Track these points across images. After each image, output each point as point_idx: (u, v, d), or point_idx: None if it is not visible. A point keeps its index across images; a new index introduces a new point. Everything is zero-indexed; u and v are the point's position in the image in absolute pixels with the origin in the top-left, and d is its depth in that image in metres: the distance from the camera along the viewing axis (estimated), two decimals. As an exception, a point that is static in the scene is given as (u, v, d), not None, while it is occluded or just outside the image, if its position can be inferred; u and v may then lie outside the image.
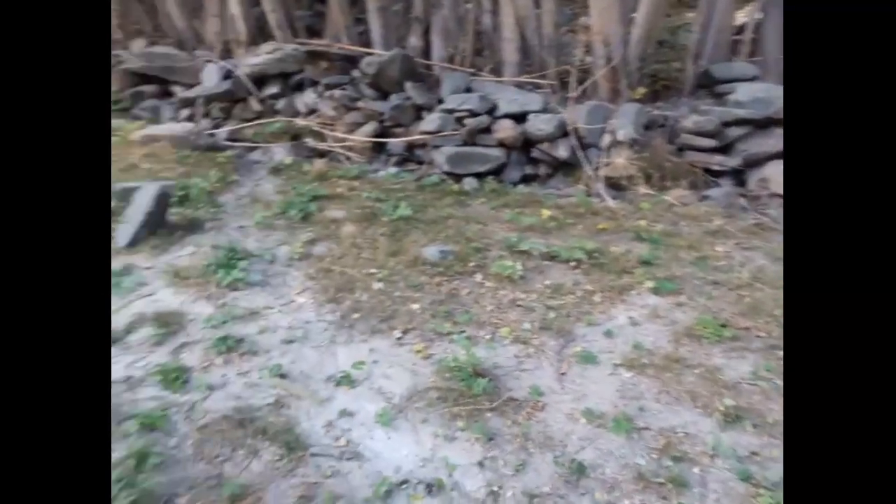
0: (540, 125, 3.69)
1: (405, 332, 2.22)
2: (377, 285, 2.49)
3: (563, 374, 2.02)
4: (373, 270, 2.59)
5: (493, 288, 2.51)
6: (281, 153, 4.02)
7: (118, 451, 1.62)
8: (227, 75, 4.73)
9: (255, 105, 4.61)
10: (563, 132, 3.72)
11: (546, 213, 3.17)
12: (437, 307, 2.35)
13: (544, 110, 3.85)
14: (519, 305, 2.39)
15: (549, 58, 4.21)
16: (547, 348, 2.14)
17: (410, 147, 4.02)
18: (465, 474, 1.61)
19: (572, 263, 2.67)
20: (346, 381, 1.94)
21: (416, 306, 2.36)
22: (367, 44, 4.65)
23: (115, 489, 1.44)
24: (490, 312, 2.34)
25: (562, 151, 3.71)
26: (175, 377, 1.92)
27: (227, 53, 5.22)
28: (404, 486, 1.57)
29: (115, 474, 1.49)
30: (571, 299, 2.43)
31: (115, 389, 1.88)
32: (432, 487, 1.57)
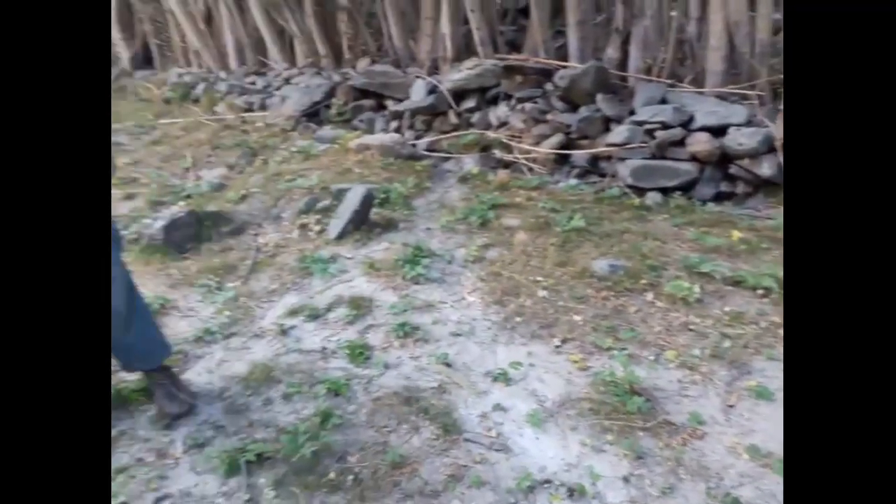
0: (741, 139, 3.41)
1: (564, 341, 2.26)
2: (542, 293, 2.56)
3: (730, 406, 1.89)
4: (539, 278, 2.67)
5: (664, 309, 2.42)
6: (470, 163, 4.29)
7: (308, 409, 1.94)
8: (432, 90, 5.18)
9: (452, 118, 4.98)
10: (768, 148, 3.39)
11: (737, 234, 2.94)
12: (600, 321, 2.35)
13: (748, 123, 3.55)
14: (691, 330, 2.28)
15: (760, 66, 3.87)
16: (716, 378, 2.02)
17: (594, 159, 4.00)
18: (609, 486, 1.62)
19: (759, 291, 2.45)
20: (502, 378, 2.05)
21: (578, 318, 2.38)
22: (564, 57, 4.73)
23: (301, 439, 1.74)
24: (657, 333, 2.27)
25: (765, 169, 3.38)
26: (359, 353, 2.22)
27: (434, 70, 5.70)
28: (546, 485, 1.63)
29: (302, 427, 1.79)
30: (752, 330, 2.24)
31: (310, 357, 2.24)
32: (574, 492, 1.60)
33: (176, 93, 7.32)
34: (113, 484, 1.66)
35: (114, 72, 8.65)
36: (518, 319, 2.40)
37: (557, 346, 2.23)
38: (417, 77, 5.57)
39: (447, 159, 4.60)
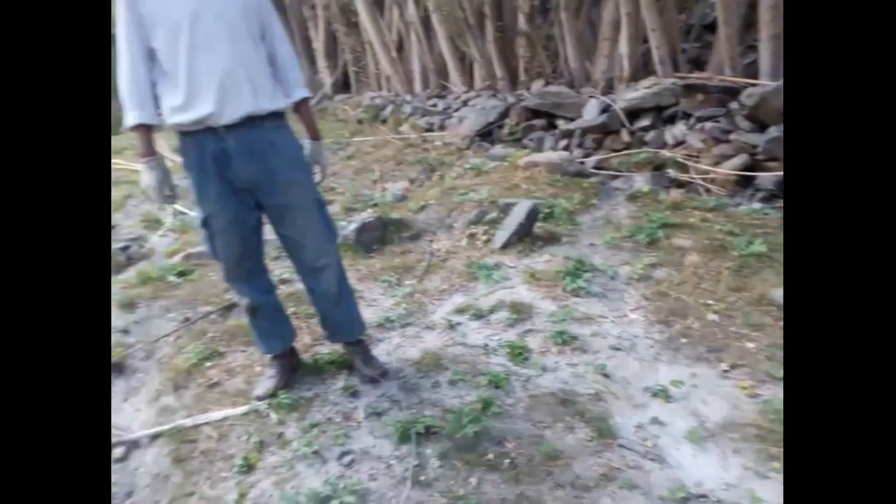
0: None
1: (733, 366, 2.17)
2: (712, 317, 2.48)
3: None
4: (710, 302, 2.58)
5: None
6: (640, 182, 4.23)
7: (470, 396, 2.12)
8: (605, 109, 5.19)
9: (624, 136, 4.94)
10: None
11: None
12: (776, 351, 2.22)
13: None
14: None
15: None
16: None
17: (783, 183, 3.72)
18: (771, 515, 1.56)
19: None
20: (662, 394, 2.05)
21: (751, 345, 2.27)
22: (753, 74, 4.46)
23: (464, 420, 1.91)
24: (844, 368, 2.08)
25: None
26: (518, 353, 2.36)
27: (608, 90, 5.71)
28: (702, 499, 1.62)
29: (466, 410, 1.97)
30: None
31: (474, 351, 2.42)
32: (731, 513, 1.57)
33: (368, 114, 8.18)
34: (306, 436, 1.98)
35: (317, 95, 9.90)
36: (683, 340, 2.36)
37: (725, 371, 2.16)
38: (591, 97, 5.62)
39: (616, 177, 4.58)
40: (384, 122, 7.75)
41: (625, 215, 3.69)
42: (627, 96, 5.07)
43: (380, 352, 2.47)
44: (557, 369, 2.27)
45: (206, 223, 1.96)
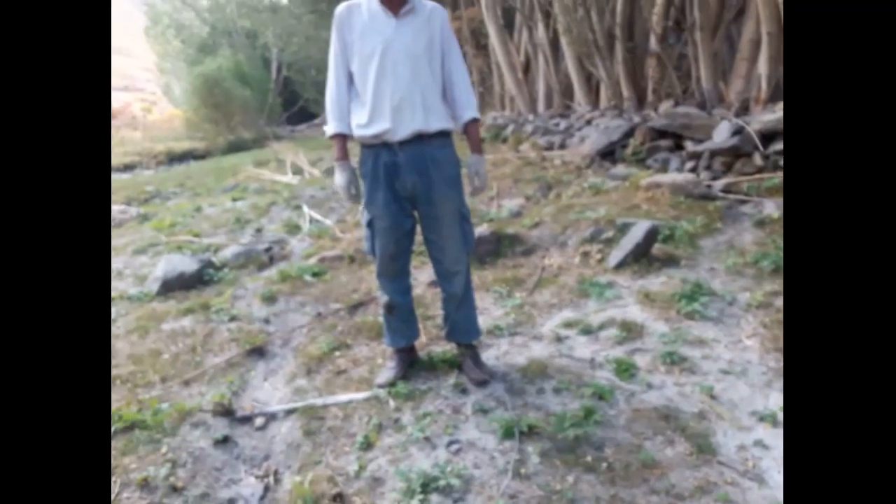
0: None
1: (858, 400, 2.06)
2: (838, 348, 2.35)
3: None
4: (838, 332, 2.44)
5: None
6: (771, 207, 4.02)
7: (574, 404, 2.21)
8: (737, 131, 4.99)
9: (757, 160, 4.72)
10: None
11: None
12: None
13: None
14: None
15: None
16: None
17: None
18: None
19: None
20: (770, 419, 2.01)
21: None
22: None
23: (566, 423, 2.02)
24: None
25: None
26: (625, 369, 2.41)
27: (743, 111, 5.48)
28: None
29: (568, 415, 2.08)
30: None
31: (580, 364, 2.51)
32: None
33: (489, 133, 8.47)
34: (419, 423, 2.18)
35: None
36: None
37: (846, 404, 2.06)
38: (723, 118, 5.43)
39: (745, 202, 4.39)
40: (505, 140, 7.98)
41: (750, 241, 3.56)
42: (763, 118, 4.85)
43: (488, 356, 2.64)
44: (664, 387, 2.29)
45: (370, 224, 2.30)
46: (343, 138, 2.23)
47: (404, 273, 2.45)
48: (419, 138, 2.13)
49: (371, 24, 2.10)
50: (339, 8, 2.15)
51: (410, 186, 2.18)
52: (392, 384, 2.42)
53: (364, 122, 2.15)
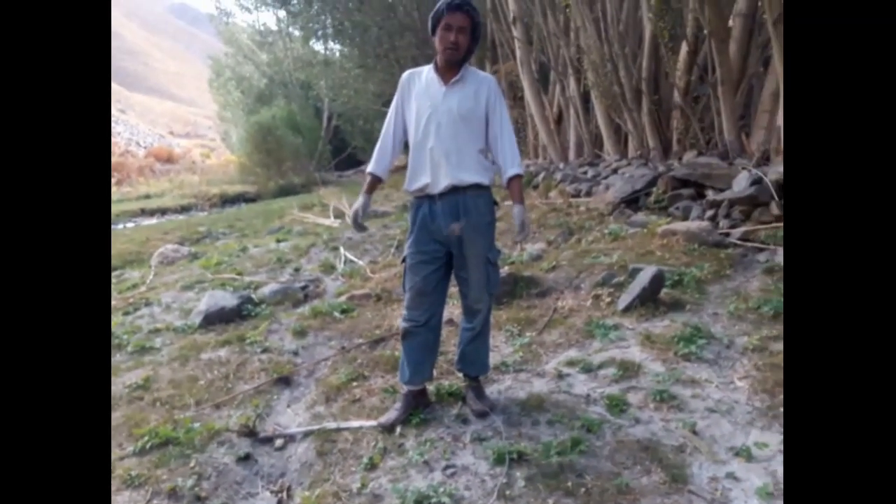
0: None
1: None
2: (823, 390, 2.44)
3: None
4: (824, 376, 2.53)
5: None
6: (782, 255, 4.12)
7: (563, 435, 2.37)
8: (756, 181, 5.11)
9: (774, 209, 4.82)
10: None
11: None
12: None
13: None
14: None
15: None
16: None
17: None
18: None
19: None
20: (744, 453, 2.12)
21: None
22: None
23: (552, 451, 2.19)
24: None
25: None
26: (616, 405, 2.56)
27: (763, 162, 5.59)
28: (759, 554, 1.70)
29: (555, 444, 2.24)
30: None
31: (576, 399, 2.67)
32: (789, 572, 1.64)
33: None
34: (420, 448, 2.38)
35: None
36: (783, 409, 2.37)
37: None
38: (743, 168, 5.55)
39: (761, 250, 4.48)
40: (536, 187, 8.25)
41: (756, 287, 3.66)
42: (780, 169, 4.96)
43: (492, 390, 2.83)
44: (650, 422, 2.43)
45: (404, 261, 2.58)
46: (376, 178, 2.57)
47: (428, 309, 2.60)
48: (454, 190, 2.41)
49: (426, 90, 2.43)
50: (405, 73, 2.53)
51: (445, 231, 2.43)
52: (391, 428, 2.55)
53: (410, 176, 2.48)
